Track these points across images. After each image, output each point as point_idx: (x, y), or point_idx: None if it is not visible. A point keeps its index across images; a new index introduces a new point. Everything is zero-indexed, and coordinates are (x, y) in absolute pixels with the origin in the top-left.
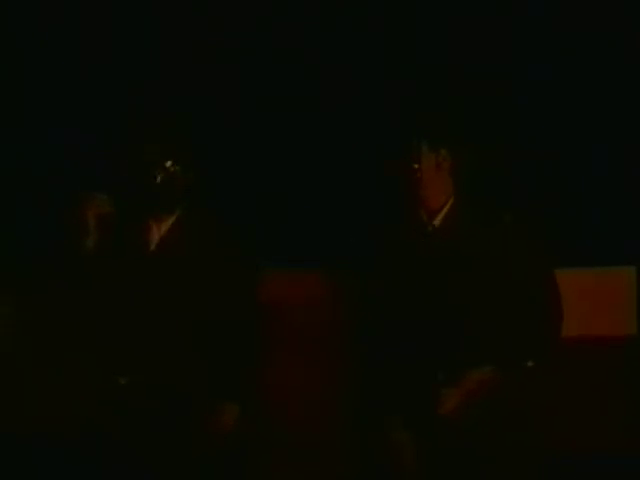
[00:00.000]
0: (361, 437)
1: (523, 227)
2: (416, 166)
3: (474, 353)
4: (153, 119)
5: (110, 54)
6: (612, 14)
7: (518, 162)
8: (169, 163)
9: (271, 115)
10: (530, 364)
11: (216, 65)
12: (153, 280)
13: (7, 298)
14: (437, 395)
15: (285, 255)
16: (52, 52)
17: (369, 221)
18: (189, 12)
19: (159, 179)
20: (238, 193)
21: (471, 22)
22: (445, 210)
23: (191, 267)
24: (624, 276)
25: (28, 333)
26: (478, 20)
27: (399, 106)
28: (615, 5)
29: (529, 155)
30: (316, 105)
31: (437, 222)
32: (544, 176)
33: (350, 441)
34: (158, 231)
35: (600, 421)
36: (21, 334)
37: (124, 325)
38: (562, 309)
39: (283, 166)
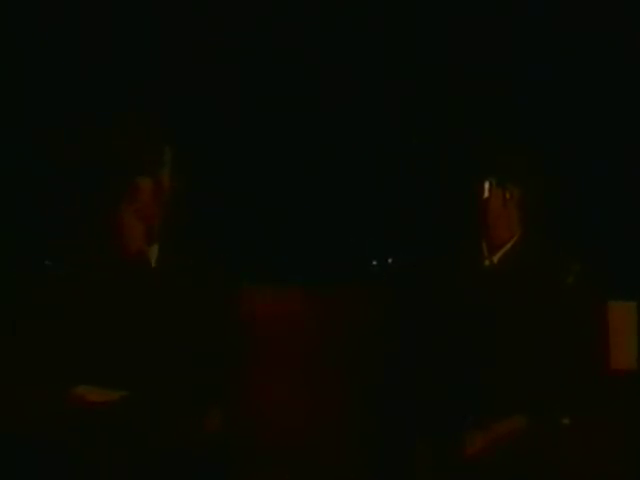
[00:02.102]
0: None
1: (588, 282)
2: (484, 199)
3: (508, 401)
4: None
5: (110, 54)
6: (612, 14)
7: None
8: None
9: (271, 115)
10: (566, 421)
11: (216, 65)
12: (153, 296)
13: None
14: (464, 437)
15: (268, 271)
16: (52, 52)
17: (359, 234)
18: (189, 12)
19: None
20: (225, 204)
21: (471, 22)
22: (508, 247)
23: (181, 283)
24: (625, 311)
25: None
26: (478, 20)
27: (399, 106)
28: (615, 5)
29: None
30: (316, 105)
31: (496, 258)
32: None
33: (333, 455)
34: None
35: (599, 455)
36: None
37: (107, 335)
38: (607, 370)
39: (279, 164)
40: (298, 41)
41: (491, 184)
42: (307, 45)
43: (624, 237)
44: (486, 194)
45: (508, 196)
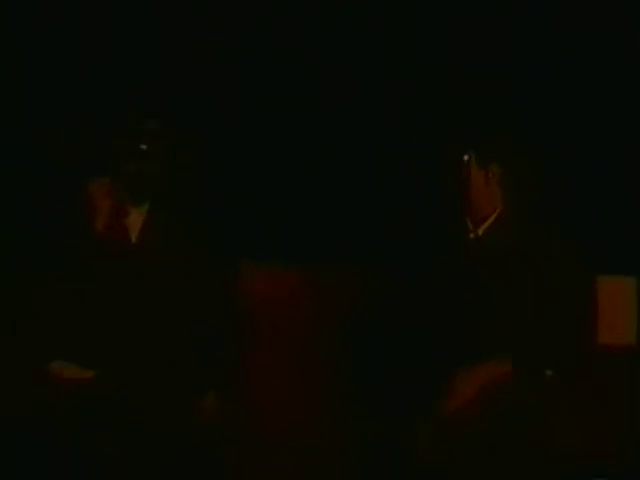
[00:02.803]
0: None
1: (571, 242)
2: (465, 178)
3: (495, 352)
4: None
5: (110, 54)
6: (612, 14)
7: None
8: (142, 148)
9: (271, 115)
10: (549, 372)
11: (216, 65)
12: (135, 272)
13: None
14: (452, 390)
15: (268, 251)
16: (52, 52)
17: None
18: (189, 12)
19: (131, 165)
20: (231, 190)
21: (471, 22)
22: (491, 219)
23: (168, 260)
24: (624, 286)
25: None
26: (478, 20)
27: (399, 106)
28: (615, 5)
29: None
30: (316, 105)
31: (481, 230)
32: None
33: (333, 438)
34: (138, 219)
35: (599, 430)
36: None
37: (105, 317)
38: (595, 325)
39: (279, 164)
40: (298, 41)
41: (473, 162)
42: (307, 45)
43: (623, 213)
44: (468, 172)
45: (490, 175)
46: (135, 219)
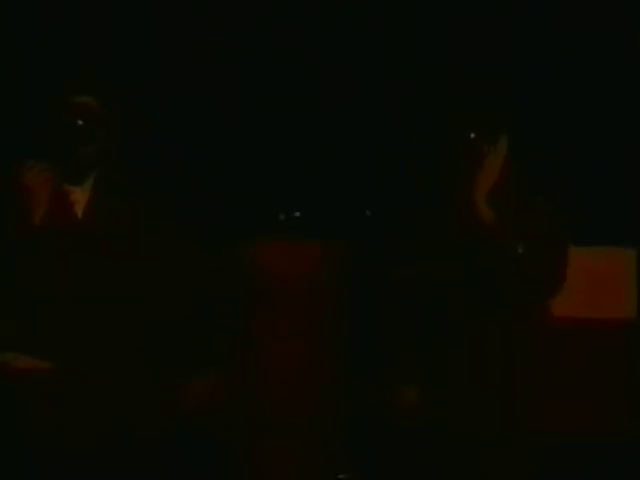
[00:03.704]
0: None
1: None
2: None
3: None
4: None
5: (110, 54)
6: (612, 14)
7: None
8: (87, 116)
9: (271, 115)
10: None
11: (216, 65)
12: (86, 250)
13: None
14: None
15: (282, 225)
16: (52, 52)
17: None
18: (189, 12)
19: (78, 134)
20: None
21: (471, 22)
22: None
23: (119, 234)
24: (624, 258)
25: None
26: (478, 20)
27: (399, 106)
28: (615, 5)
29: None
30: (316, 105)
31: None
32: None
33: (347, 408)
34: (82, 196)
35: (599, 404)
36: None
37: (59, 303)
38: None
39: (283, 163)
40: (298, 41)
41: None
42: (307, 45)
43: (625, 183)
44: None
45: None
46: (79, 195)
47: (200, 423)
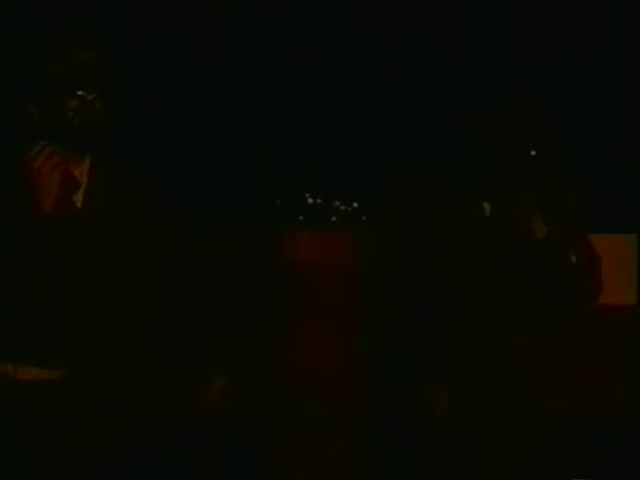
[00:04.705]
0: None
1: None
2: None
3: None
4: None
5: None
6: (612, 14)
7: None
8: (83, 92)
9: (271, 115)
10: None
11: (216, 65)
12: (88, 249)
13: None
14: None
15: (311, 215)
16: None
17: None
18: (189, 12)
19: (73, 111)
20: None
21: (471, 22)
22: None
23: (120, 225)
24: (624, 244)
25: None
26: (478, 20)
27: (399, 106)
28: (615, 5)
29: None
30: (316, 105)
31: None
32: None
33: (372, 398)
34: (80, 179)
35: (599, 388)
36: None
37: (65, 300)
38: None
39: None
40: (298, 41)
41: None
42: (307, 45)
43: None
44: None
45: None
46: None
47: (223, 420)
